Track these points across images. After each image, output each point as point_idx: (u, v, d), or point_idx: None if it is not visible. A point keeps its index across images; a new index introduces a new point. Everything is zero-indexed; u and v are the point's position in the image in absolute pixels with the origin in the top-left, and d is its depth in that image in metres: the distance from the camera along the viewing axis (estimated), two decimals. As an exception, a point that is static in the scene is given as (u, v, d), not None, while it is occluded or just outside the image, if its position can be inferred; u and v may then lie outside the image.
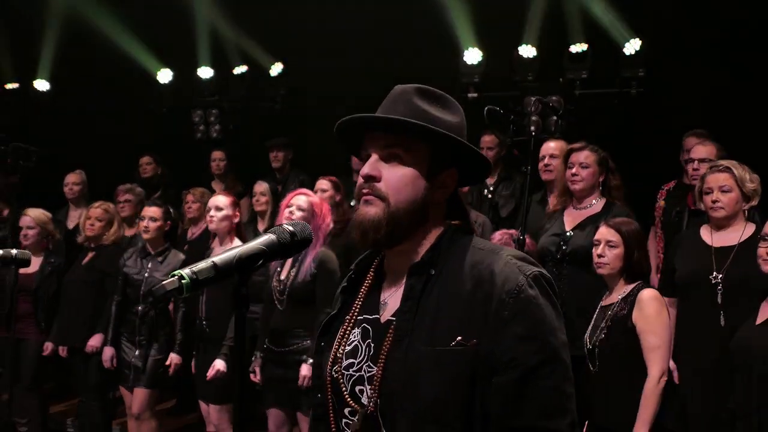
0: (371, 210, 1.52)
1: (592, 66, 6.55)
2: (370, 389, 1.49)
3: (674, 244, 4.04)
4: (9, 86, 8.82)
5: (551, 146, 4.79)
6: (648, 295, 3.29)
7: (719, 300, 3.58)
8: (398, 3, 6.77)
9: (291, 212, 4.11)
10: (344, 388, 1.55)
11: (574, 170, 4.18)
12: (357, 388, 1.53)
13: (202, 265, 1.32)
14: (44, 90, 8.74)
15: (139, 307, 4.78)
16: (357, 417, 1.52)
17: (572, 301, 3.86)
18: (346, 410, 1.55)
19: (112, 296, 4.97)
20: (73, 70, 8.24)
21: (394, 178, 1.52)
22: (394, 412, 1.45)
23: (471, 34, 6.88)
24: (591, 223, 3.99)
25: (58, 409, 6.15)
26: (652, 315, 3.25)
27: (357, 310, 1.62)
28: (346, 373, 1.55)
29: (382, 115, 1.55)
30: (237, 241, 4.60)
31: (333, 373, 1.58)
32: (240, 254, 1.40)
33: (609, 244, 3.37)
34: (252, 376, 4.25)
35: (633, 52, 6.35)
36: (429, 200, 1.54)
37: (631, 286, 3.36)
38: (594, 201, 4.20)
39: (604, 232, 3.41)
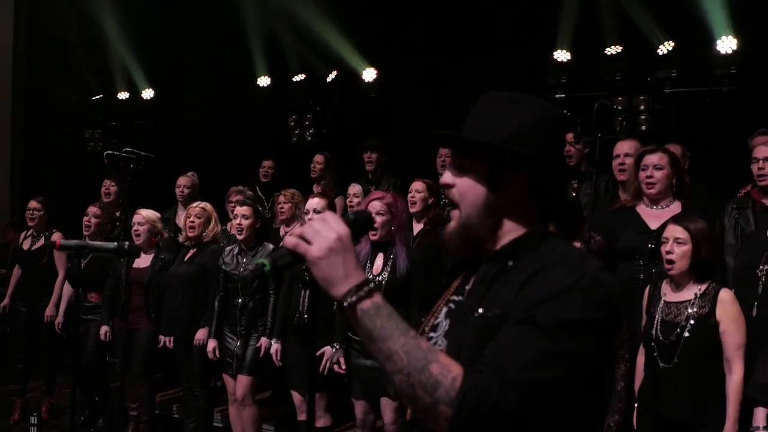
0: (450, 224, 1.66)
1: (682, 65, 6.48)
2: None
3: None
4: (120, 96, 9.46)
5: (626, 146, 4.81)
6: (729, 295, 3.37)
7: (759, 292, 3.58)
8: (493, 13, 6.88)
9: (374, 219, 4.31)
10: None
11: (648, 173, 4.17)
12: None
13: (282, 251, 1.44)
14: (150, 98, 9.37)
15: (239, 300, 5.07)
16: None
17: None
18: None
19: (214, 291, 5.28)
20: (175, 78, 8.73)
21: (461, 186, 1.62)
22: None
23: (563, 35, 6.96)
24: None
25: (165, 396, 6.52)
26: (736, 315, 3.35)
27: (451, 291, 1.71)
28: None
29: (440, 131, 1.67)
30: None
31: None
32: None
33: (677, 241, 3.41)
34: (335, 367, 4.43)
35: (727, 51, 6.25)
36: (494, 203, 1.59)
37: (705, 284, 3.41)
38: (670, 201, 4.21)
39: (672, 230, 3.45)
